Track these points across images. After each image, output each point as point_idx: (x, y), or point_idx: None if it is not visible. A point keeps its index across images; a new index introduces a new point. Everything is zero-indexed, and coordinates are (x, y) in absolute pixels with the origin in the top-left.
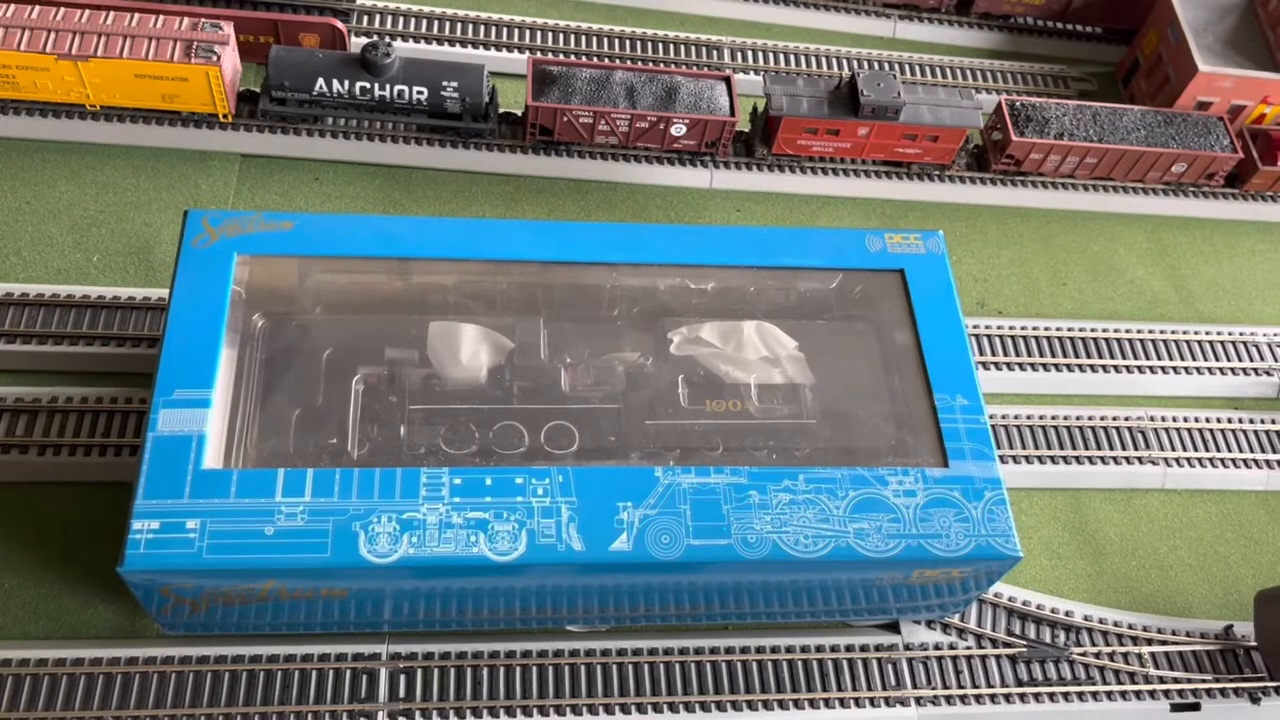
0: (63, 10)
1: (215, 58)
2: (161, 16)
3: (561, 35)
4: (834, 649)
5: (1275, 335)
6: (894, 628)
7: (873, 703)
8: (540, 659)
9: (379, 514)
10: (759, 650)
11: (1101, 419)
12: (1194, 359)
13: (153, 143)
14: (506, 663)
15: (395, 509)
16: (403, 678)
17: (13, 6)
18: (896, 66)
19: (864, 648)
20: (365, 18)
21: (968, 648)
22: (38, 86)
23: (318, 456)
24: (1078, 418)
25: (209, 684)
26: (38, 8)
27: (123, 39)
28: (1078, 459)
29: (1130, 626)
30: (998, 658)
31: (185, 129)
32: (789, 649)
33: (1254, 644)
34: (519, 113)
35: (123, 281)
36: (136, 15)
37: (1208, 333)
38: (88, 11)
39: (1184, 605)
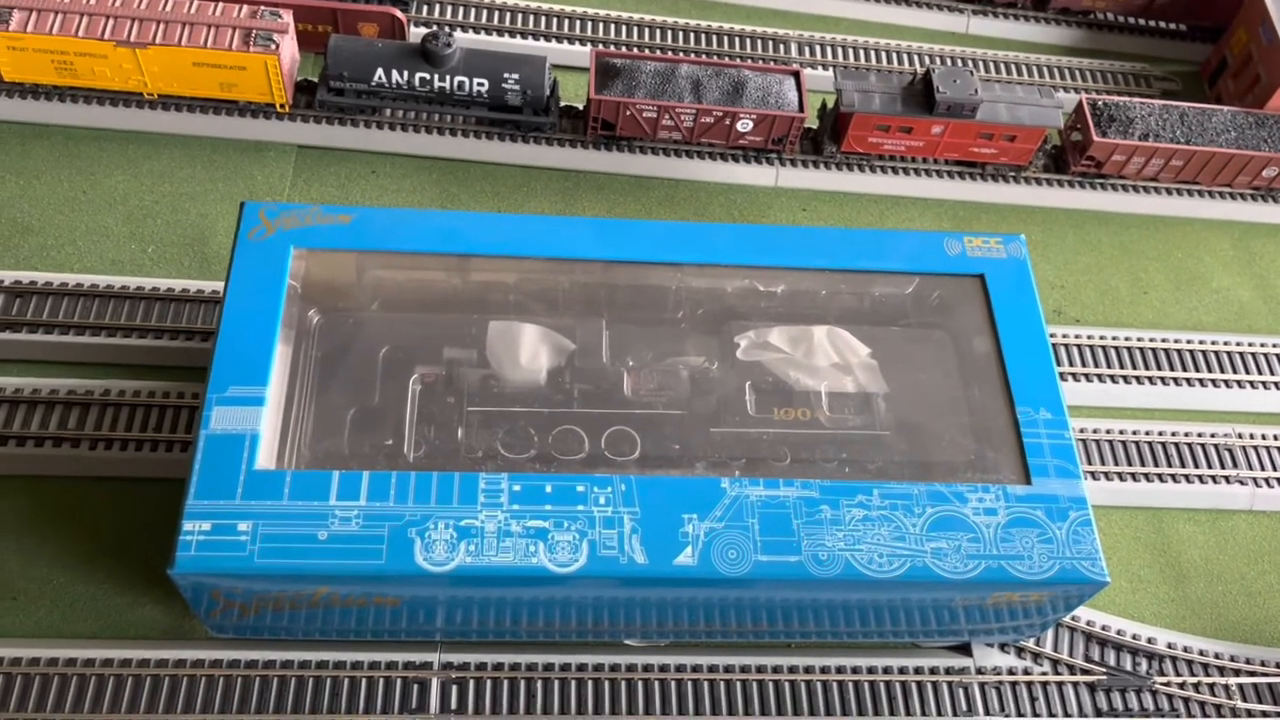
0: None
1: (274, 46)
2: (221, 4)
3: (625, 27)
4: (902, 670)
5: None
6: (965, 650)
7: None
8: (596, 673)
9: (436, 520)
10: (824, 670)
11: (1185, 435)
12: None
13: (209, 132)
14: (561, 675)
15: (453, 515)
16: (454, 688)
17: None
18: (969, 63)
19: (934, 670)
20: (425, 7)
21: (1043, 673)
22: (95, 74)
23: (373, 458)
24: (1159, 433)
25: (257, 688)
26: None
27: (181, 26)
28: (1160, 477)
29: (1216, 656)
30: (1075, 685)
31: (242, 119)
32: (855, 669)
33: None
34: (580, 106)
35: (177, 273)
36: (195, 2)
37: None
38: None
39: (1273, 634)
